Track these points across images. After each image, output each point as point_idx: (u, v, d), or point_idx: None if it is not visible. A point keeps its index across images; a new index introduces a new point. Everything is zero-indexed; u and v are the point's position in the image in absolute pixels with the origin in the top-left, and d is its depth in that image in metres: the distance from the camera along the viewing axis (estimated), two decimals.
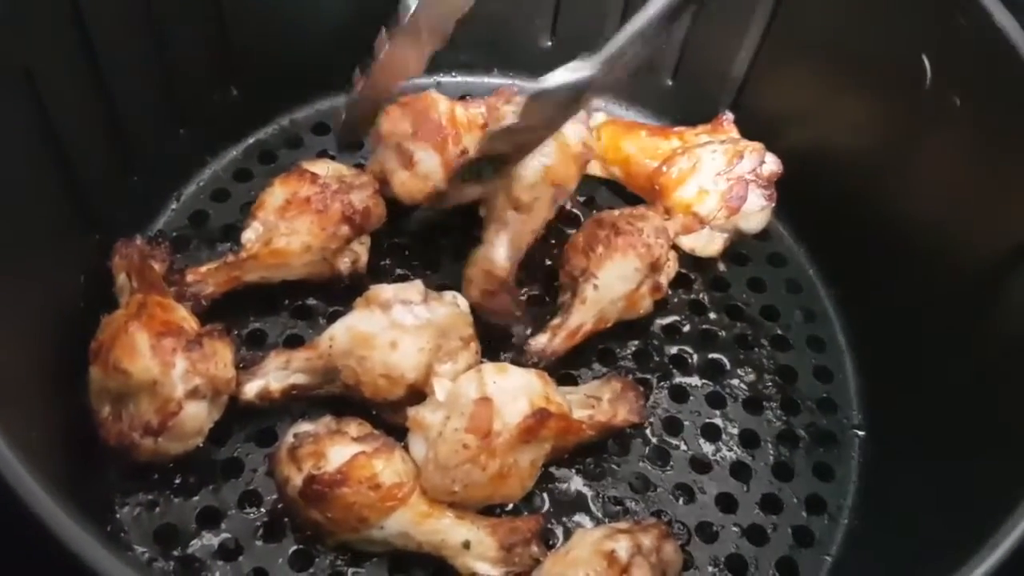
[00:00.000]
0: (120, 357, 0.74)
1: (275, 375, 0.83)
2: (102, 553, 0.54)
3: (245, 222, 0.89)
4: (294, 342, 0.90)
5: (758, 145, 0.95)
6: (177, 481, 0.81)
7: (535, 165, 0.89)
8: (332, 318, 0.91)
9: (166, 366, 0.74)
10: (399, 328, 0.80)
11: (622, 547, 0.72)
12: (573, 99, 0.76)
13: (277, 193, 0.88)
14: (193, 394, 0.75)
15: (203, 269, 0.87)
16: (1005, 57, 0.79)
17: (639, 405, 0.84)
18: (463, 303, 0.84)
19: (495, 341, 0.89)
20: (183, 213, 0.98)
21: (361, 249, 0.92)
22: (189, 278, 0.86)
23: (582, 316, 0.88)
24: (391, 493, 0.73)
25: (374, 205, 0.90)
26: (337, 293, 0.93)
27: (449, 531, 0.75)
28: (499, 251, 0.89)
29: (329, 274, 0.90)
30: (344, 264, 0.90)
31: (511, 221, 0.90)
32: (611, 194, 1.03)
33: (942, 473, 0.80)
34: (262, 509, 0.81)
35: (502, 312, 0.89)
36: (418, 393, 0.80)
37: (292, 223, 0.87)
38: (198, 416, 0.77)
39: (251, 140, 1.04)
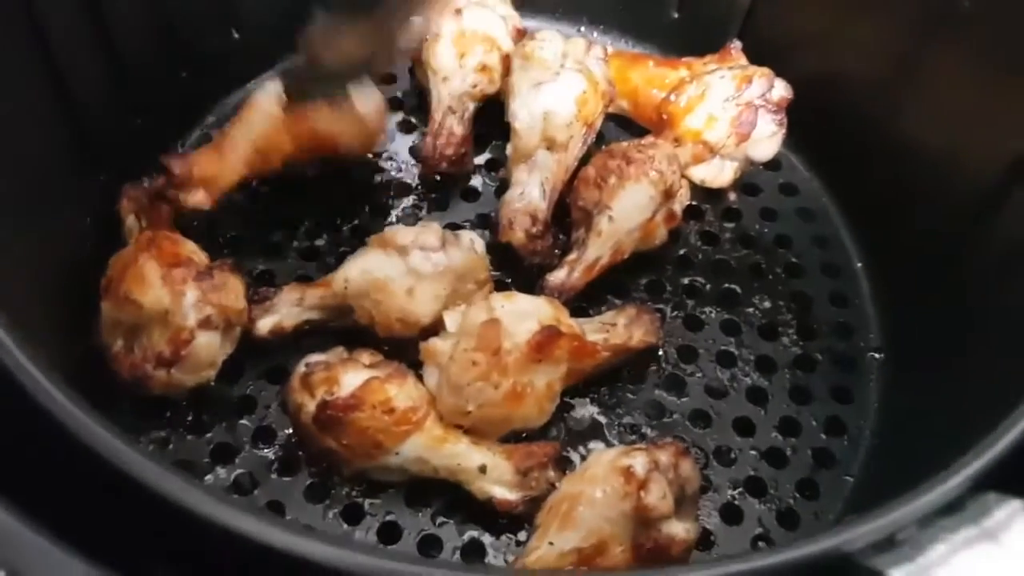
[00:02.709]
0: (131, 288, 0.74)
1: (288, 311, 0.83)
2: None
3: None
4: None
5: (766, 71, 0.94)
6: (190, 419, 0.81)
7: (568, 104, 0.90)
8: (342, 258, 0.91)
9: (177, 295, 0.74)
10: (416, 275, 0.79)
11: (639, 463, 0.71)
12: None
13: None
14: (205, 324, 0.75)
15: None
16: None
17: (655, 327, 0.83)
18: (480, 246, 0.84)
19: (525, 282, 0.88)
20: None
21: None
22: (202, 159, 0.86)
23: (599, 249, 0.87)
24: (406, 417, 0.73)
25: None
26: (346, 235, 0.94)
27: (465, 455, 0.75)
28: (535, 192, 0.89)
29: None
30: None
31: (544, 161, 0.90)
32: (619, 128, 1.02)
33: (960, 390, 0.79)
34: (276, 444, 0.80)
35: (545, 253, 0.89)
36: (431, 331, 0.80)
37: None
38: (210, 346, 0.76)
39: (253, 84, 1.02)
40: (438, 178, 0.97)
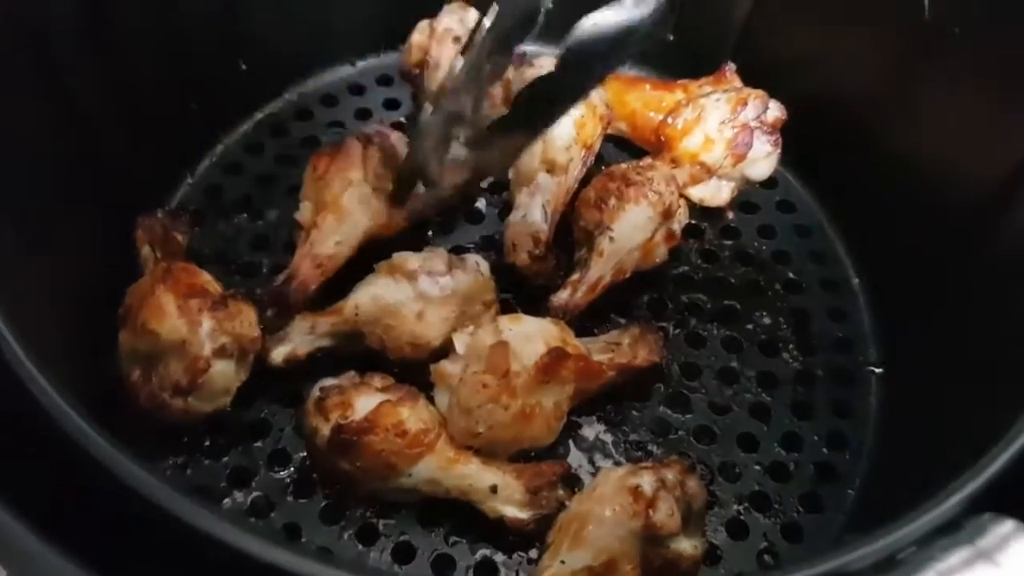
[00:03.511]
0: (148, 318, 0.76)
1: (301, 340, 0.84)
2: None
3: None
4: (314, 307, 0.91)
5: (761, 92, 0.97)
6: (206, 444, 0.83)
7: (567, 127, 0.92)
8: (351, 285, 0.93)
9: (193, 325, 0.76)
10: (425, 299, 0.81)
11: (646, 482, 0.72)
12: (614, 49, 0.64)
13: (309, 169, 0.90)
14: (220, 352, 0.77)
15: (296, 277, 0.85)
16: None
17: (658, 345, 0.85)
18: (485, 268, 0.86)
19: (530, 302, 0.90)
20: (198, 187, 1.00)
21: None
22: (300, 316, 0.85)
23: (600, 269, 0.89)
24: (418, 439, 0.75)
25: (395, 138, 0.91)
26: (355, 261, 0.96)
27: (476, 476, 0.76)
28: (537, 214, 0.91)
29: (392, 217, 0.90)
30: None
31: (546, 183, 0.92)
32: (617, 150, 1.05)
33: (958, 403, 0.80)
34: (291, 467, 0.82)
35: (549, 273, 0.91)
36: (441, 353, 0.82)
37: (328, 180, 0.87)
38: (226, 374, 0.78)
39: (261, 114, 1.05)
40: None
